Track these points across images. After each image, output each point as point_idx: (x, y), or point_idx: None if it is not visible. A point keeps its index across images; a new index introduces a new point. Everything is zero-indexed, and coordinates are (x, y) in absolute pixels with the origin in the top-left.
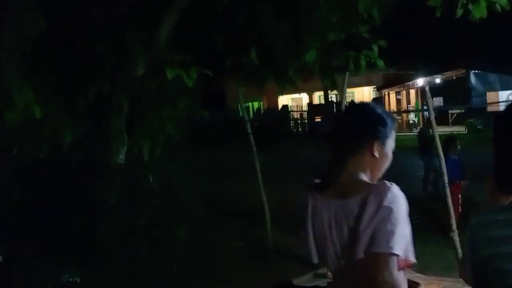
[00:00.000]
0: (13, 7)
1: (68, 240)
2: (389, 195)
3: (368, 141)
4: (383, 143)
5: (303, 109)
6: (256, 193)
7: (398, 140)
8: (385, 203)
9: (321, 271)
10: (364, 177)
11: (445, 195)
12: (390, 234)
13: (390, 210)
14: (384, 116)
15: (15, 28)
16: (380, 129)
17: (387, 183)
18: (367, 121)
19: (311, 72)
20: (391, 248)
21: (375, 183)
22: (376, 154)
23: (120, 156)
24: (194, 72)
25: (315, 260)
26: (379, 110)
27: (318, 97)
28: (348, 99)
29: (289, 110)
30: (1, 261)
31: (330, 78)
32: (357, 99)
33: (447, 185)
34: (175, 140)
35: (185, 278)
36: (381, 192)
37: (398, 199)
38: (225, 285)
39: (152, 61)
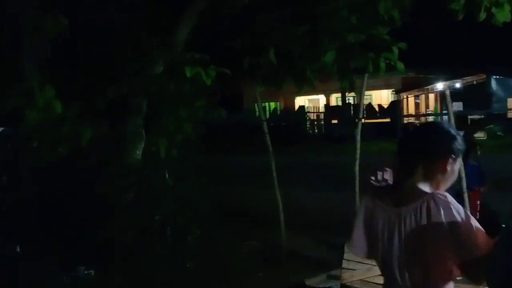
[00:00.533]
0: (35, 7)
1: (83, 236)
2: (443, 204)
3: (442, 155)
4: (454, 160)
5: (320, 111)
6: (271, 195)
7: None
8: (440, 212)
9: (334, 272)
10: (427, 188)
11: (464, 201)
12: (447, 240)
13: (446, 218)
14: (459, 137)
15: (37, 27)
16: (456, 146)
17: (441, 192)
18: (445, 137)
19: (329, 73)
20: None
21: (430, 192)
22: (448, 168)
23: (138, 152)
24: (213, 70)
25: (363, 255)
26: (454, 130)
27: (335, 98)
28: (366, 102)
29: (306, 111)
30: (20, 253)
31: (348, 80)
32: (375, 102)
33: (465, 190)
34: (191, 140)
35: (198, 277)
36: (436, 201)
37: (452, 208)
38: (238, 285)
39: (170, 61)
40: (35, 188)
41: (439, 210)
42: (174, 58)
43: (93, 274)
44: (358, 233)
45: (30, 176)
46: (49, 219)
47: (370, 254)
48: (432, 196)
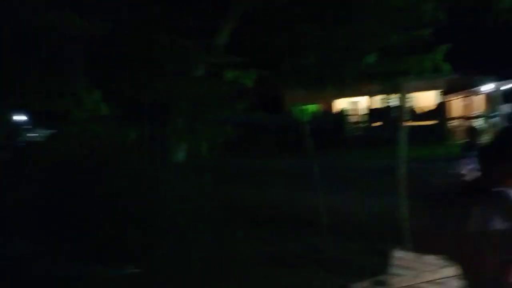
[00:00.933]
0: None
1: (127, 234)
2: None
3: None
4: None
5: (362, 113)
6: (312, 198)
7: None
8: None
9: (380, 278)
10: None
11: None
12: None
13: None
14: None
15: (84, 29)
16: None
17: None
18: None
19: (371, 75)
20: None
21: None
22: None
23: (180, 154)
24: (253, 73)
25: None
26: None
27: (377, 100)
28: (410, 104)
29: (347, 114)
30: (70, 249)
31: (391, 82)
32: (418, 104)
33: None
34: (232, 143)
35: (238, 277)
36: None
37: None
38: (279, 287)
39: (211, 64)
40: (83, 185)
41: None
42: (215, 61)
43: (137, 271)
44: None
45: (78, 175)
46: (96, 215)
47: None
48: (499, 192)
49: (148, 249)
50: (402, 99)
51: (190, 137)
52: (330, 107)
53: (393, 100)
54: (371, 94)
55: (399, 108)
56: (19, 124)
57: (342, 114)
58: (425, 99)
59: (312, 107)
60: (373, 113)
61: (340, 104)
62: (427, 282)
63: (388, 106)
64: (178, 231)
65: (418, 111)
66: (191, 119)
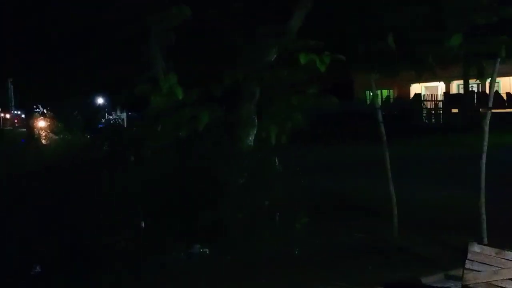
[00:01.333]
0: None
1: (198, 216)
2: None
3: None
4: None
5: (438, 99)
6: (383, 188)
7: None
8: None
9: (453, 272)
10: None
11: None
12: None
13: None
14: None
15: (162, 17)
16: None
17: None
18: None
19: (452, 59)
20: None
21: None
22: None
23: (250, 138)
24: (327, 57)
25: None
26: None
27: (456, 86)
28: (494, 89)
29: (422, 99)
30: (143, 227)
31: (477, 66)
32: (502, 90)
33: None
34: (302, 129)
35: (304, 265)
36: None
37: None
38: (345, 276)
39: (284, 48)
40: (157, 168)
41: None
42: (288, 45)
43: (207, 252)
44: None
45: (153, 157)
46: (168, 197)
47: None
48: None
49: (217, 232)
50: (483, 84)
51: (261, 123)
52: (404, 92)
53: (475, 85)
54: (449, 78)
55: (480, 93)
56: (99, 107)
57: (417, 99)
58: (510, 84)
59: (385, 93)
60: (451, 99)
61: (415, 89)
62: (508, 279)
63: (468, 92)
64: (248, 217)
65: (502, 97)
66: (262, 105)
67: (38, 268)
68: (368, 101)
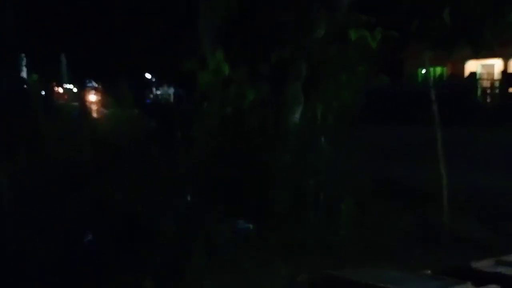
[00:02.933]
0: None
1: (244, 193)
2: None
3: None
4: None
5: (496, 78)
6: (435, 171)
7: None
8: None
9: (505, 258)
10: None
11: None
12: None
13: None
14: None
15: (212, 9)
16: None
17: None
18: None
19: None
20: None
21: None
22: None
23: (296, 116)
24: (379, 33)
25: None
26: None
27: None
28: None
29: (478, 78)
30: (189, 200)
31: None
32: None
33: None
34: (349, 108)
35: (350, 249)
36: None
37: None
38: (394, 259)
39: (333, 24)
40: (203, 146)
41: None
42: (338, 21)
43: (251, 228)
44: None
45: (200, 134)
46: (214, 176)
47: None
48: None
49: (262, 211)
50: None
51: (308, 102)
52: (458, 70)
53: None
54: (508, 56)
55: None
56: (148, 82)
57: (472, 78)
58: None
59: (439, 71)
60: (509, 78)
61: (471, 67)
62: None
63: None
64: (292, 196)
65: None
66: (309, 83)
67: (90, 237)
68: (420, 80)
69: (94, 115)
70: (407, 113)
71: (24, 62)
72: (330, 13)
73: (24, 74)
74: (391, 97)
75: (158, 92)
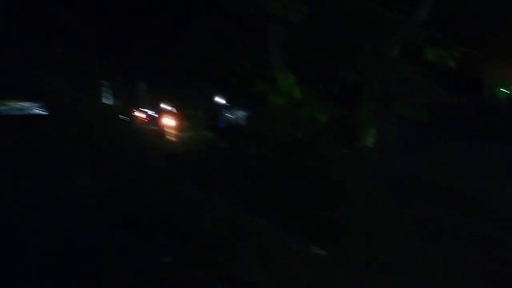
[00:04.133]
0: None
1: (318, 215)
2: None
3: None
4: None
5: None
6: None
7: None
8: None
9: None
10: None
11: None
12: None
13: None
14: None
15: (277, 17)
16: None
17: None
18: None
19: None
20: None
21: None
22: None
23: (369, 137)
24: (458, 52)
25: None
26: None
27: None
28: None
29: None
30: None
31: None
32: None
33: None
34: (424, 127)
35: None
36: None
37: None
38: None
39: (407, 43)
40: (274, 163)
41: None
42: (413, 39)
43: (324, 254)
44: None
45: (272, 154)
46: (286, 194)
47: None
48: None
49: (336, 234)
50: None
51: (382, 122)
52: None
53: None
54: None
55: None
56: (219, 105)
57: None
58: None
59: None
60: None
61: None
62: None
63: None
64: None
65: None
66: (383, 103)
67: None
68: (501, 96)
69: (172, 139)
70: (488, 130)
71: (106, 89)
72: (404, 29)
73: (108, 100)
74: (471, 114)
75: (231, 116)
